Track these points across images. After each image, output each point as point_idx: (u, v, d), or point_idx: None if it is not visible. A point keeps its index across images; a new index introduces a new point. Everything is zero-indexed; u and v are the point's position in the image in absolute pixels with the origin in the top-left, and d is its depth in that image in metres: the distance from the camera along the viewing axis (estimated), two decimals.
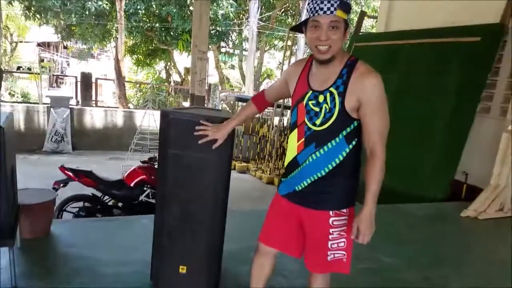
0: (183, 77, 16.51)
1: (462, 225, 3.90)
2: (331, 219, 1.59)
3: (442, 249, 3.30)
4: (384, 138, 1.50)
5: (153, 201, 4.57)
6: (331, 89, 1.50)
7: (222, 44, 15.75)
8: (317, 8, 1.40)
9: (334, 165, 1.55)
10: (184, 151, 2.06)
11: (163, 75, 17.72)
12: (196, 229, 2.13)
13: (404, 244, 3.24)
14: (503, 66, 4.60)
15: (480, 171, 4.63)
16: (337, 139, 1.53)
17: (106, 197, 4.32)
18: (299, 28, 1.57)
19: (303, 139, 1.59)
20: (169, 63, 16.87)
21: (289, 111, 9.78)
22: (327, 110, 1.51)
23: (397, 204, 4.17)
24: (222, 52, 16.80)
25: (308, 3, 1.46)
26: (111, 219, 3.72)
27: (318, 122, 1.54)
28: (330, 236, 1.61)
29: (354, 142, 1.55)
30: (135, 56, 15.47)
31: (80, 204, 4.13)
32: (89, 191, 4.22)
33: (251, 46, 12.71)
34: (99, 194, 4.27)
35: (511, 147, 3.99)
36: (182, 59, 16.31)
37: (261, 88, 17.01)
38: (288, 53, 9.07)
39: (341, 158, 1.54)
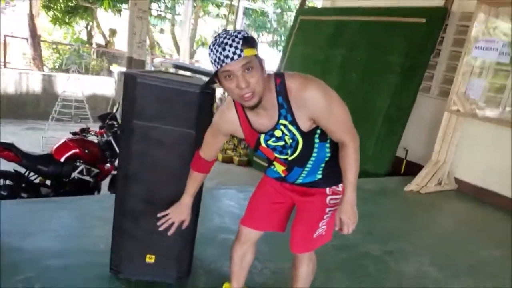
0: (108, 39, 15.12)
1: (407, 198, 4.10)
2: (328, 198, 1.55)
3: (394, 222, 3.42)
4: (349, 126, 1.41)
5: (88, 178, 4.08)
6: (281, 121, 1.37)
7: (154, 6, 14.65)
8: (221, 57, 1.20)
9: (324, 164, 1.51)
10: (153, 122, 1.75)
11: (83, 36, 16.02)
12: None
13: (362, 218, 3.28)
14: (444, 48, 4.83)
15: (419, 148, 4.90)
16: (314, 150, 1.45)
17: (32, 174, 3.74)
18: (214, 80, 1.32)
19: (285, 167, 1.52)
20: (91, 23, 15.28)
21: None
22: (291, 141, 1.41)
23: None
24: (152, 15, 15.63)
25: (210, 54, 1.24)
26: (43, 200, 3.20)
27: (289, 152, 1.45)
28: (325, 216, 1.56)
29: (323, 138, 1.46)
30: (52, 12, 13.70)
31: (0, 182, 3.51)
32: (10, 167, 3.61)
33: (187, 10, 11.93)
34: (22, 170, 3.68)
35: (452, 125, 4.24)
36: (107, 19, 14.85)
37: (196, 56, 16.31)
38: (225, 22, 8.66)
39: (328, 155, 1.49)
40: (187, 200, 1.69)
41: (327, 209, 1.55)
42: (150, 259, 1.92)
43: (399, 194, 4.16)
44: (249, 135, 1.46)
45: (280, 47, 15.06)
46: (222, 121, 1.49)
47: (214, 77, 1.29)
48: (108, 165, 4.22)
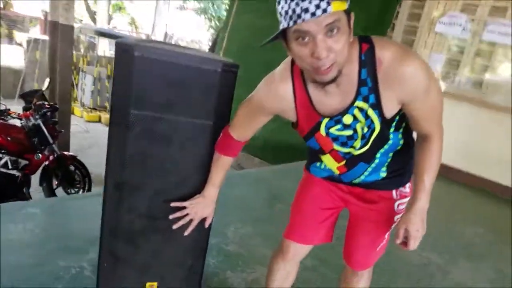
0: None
1: None
2: (396, 203, 1.25)
3: None
4: (441, 117, 1.12)
5: (14, 172, 3.33)
6: (358, 103, 1.04)
7: None
8: (298, 10, 0.85)
9: (391, 159, 1.19)
10: (158, 112, 1.29)
11: None
12: (173, 231, 1.42)
13: None
14: (399, 23, 4.81)
15: None
16: (389, 141, 1.14)
17: None
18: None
19: (343, 163, 1.19)
20: None
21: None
22: (365, 131, 1.08)
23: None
24: None
25: (279, 2, 0.90)
26: None
27: (357, 145, 1.12)
28: (392, 225, 1.27)
29: (403, 125, 1.15)
30: None
31: None
32: None
33: None
34: None
35: None
36: None
37: (113, 22, 14.76)
38: None
39: (399, 147, 1.18)
40: (212, 191, 1.33)
41: (396, 217, 1.26)
42: (151, 287, 1.49)
43: None
44: (305, 119, 1.12)
45: (209, 15, 14.30)
46: (269, 96, 1.12)
47: (280, 36, 0.93)
48: (39, 155, 3.48)
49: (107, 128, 1.23)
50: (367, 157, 1.16)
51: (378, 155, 1.17)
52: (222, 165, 1.30)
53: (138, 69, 1.22)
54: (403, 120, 1.12)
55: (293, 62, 1.08)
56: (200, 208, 1.33)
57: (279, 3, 0.91)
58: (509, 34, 3.70)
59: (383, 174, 1.21)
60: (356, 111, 1.05)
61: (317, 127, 1.12)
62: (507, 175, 3.93)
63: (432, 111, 1.08)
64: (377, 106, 1.03)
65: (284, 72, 1.09)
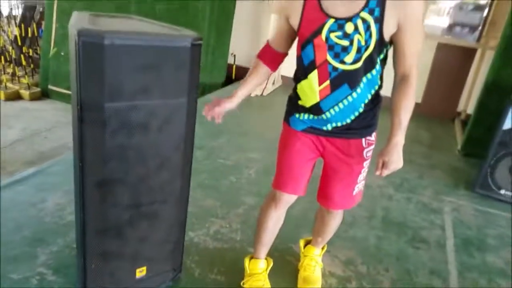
0: None
1: (255, 102, 4.39)
2: (365, 151, 1.39)
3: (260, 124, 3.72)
4: (418, 58, 1.24)
5: None
6: (363, 14, 1.13)
7: None
8: None
9: (368, 99, 1.29)
10: (134, 99, 1.20)
11: None
12: (158, 213, 1.42)
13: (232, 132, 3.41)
14: None
15: (245, 52, 5.09)
16: (373, 71, 1.24)
17: None
18: None
19: (327, 82, 1.25)
20: None
21: None
22: (361, 43, 1.16)
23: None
24: None
25: None
26: None
27: (349, 59, 1.19)
28: (362, 170, 1.43)
29: (383, 65, 1.27)
30: None
31: None
32: None
33: None
34: None
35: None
36: None
37: None
38: None
39: (376, 88, 1.29)
40: (241, 93, 1.41)
41: (364, 163, 1.41)
42: (141, 272, 1.49)
43: (248, 100, 4.38)
44: (309, 23, 1.20)
45: None
46: None
47: None
48: None
49: None
50: (354, 79, 1.23)
51: (364, 81, 1.24)
52: (257, 73, 1.40)
53: (110, 59, 1.09)
54: (386, 60, 1.26)
55: None
56: (227, 101, 1.40)
57: None
58: None
59: (352, 117, 1.30)
60: (359, 21, 1.13)
61: (319, 31, 1.18)
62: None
63: (416, 46, 1.20)
64: (380, 21, 1.13)
65: None
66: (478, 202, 2.71)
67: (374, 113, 1.35)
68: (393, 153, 1.22)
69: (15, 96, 5.45)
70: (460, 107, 4.67)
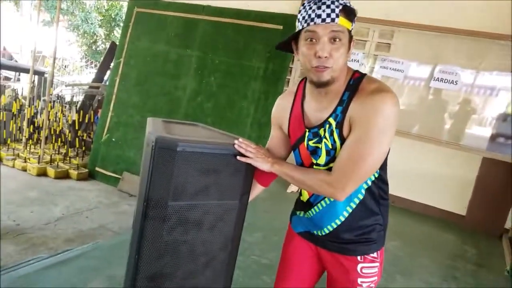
0: None
1: (291, 198, 4.40)
2: (359, 266, 1.31)
3: None
4: (354, 170, 1.14)
5: None
6: (330, 119, 1.21)
7: None
8: (313, 15, 1.10)
9: (355, 205, 1.27)
10: (194, 200, 1.31)
11: None
12: None
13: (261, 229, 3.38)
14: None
15: None
16: None
17: None
18: (287, 45, 1.24)
19: None
20: None
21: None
22: (329, 147, 1.22)
23: None
24: None
25: (300, 11, 1.16)
26: None
27: (321, 161, 1.25)
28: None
29: (375, 173, 1.26)
30: None
31: None
32: None
33: None
34: None
35: None
36: None
37: None
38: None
39: (364, 193, 1.26)
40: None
41: (359, 280, 1.31)
42: None
43: (284, 196, 4.43)
44: (295, 130, 1.33)
45: (81, 32, 13.18)
46: (275, 108, 1.42)
47: (294, 38, 1.18)
48: None
49: None
50: None
51: None
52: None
53: (179, 163, 1.22)
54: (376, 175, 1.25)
55: (300, 81, 1.33)
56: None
57: (299, 11, 1.14)
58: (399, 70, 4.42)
59: (342, 218, 1.28)
60: (327, 126, 1.21)
61: (302, 139, 1.29)
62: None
63: (356, 153, 1.14)
64: (340, 125, 1.18)
65: (290, 89, 1.37)
66: None
67: (371, 223, 1.29)
68: (267, 161, 1.31)
69: (64, 175, 5.83)
70: (509, 224, 4.45)
